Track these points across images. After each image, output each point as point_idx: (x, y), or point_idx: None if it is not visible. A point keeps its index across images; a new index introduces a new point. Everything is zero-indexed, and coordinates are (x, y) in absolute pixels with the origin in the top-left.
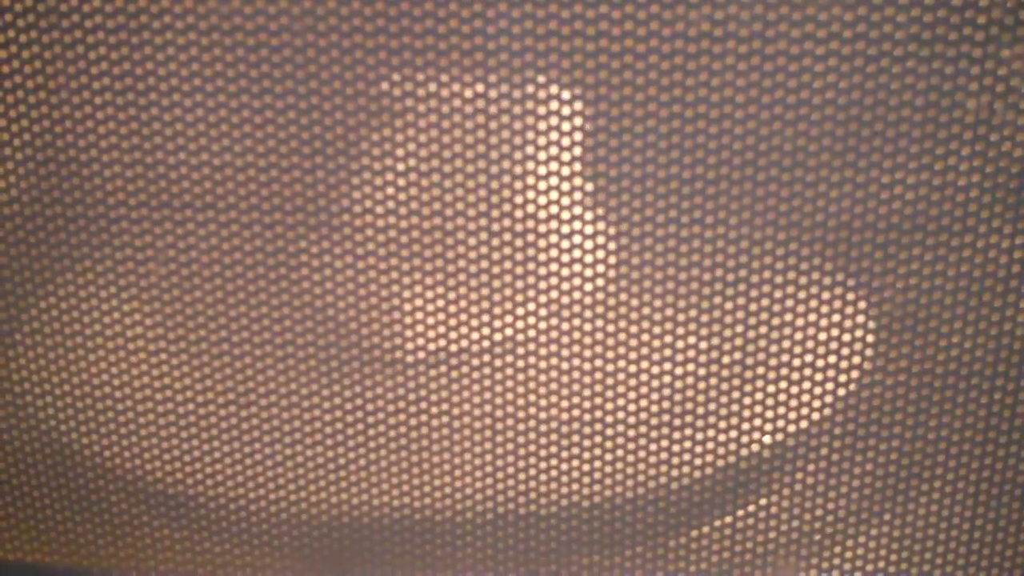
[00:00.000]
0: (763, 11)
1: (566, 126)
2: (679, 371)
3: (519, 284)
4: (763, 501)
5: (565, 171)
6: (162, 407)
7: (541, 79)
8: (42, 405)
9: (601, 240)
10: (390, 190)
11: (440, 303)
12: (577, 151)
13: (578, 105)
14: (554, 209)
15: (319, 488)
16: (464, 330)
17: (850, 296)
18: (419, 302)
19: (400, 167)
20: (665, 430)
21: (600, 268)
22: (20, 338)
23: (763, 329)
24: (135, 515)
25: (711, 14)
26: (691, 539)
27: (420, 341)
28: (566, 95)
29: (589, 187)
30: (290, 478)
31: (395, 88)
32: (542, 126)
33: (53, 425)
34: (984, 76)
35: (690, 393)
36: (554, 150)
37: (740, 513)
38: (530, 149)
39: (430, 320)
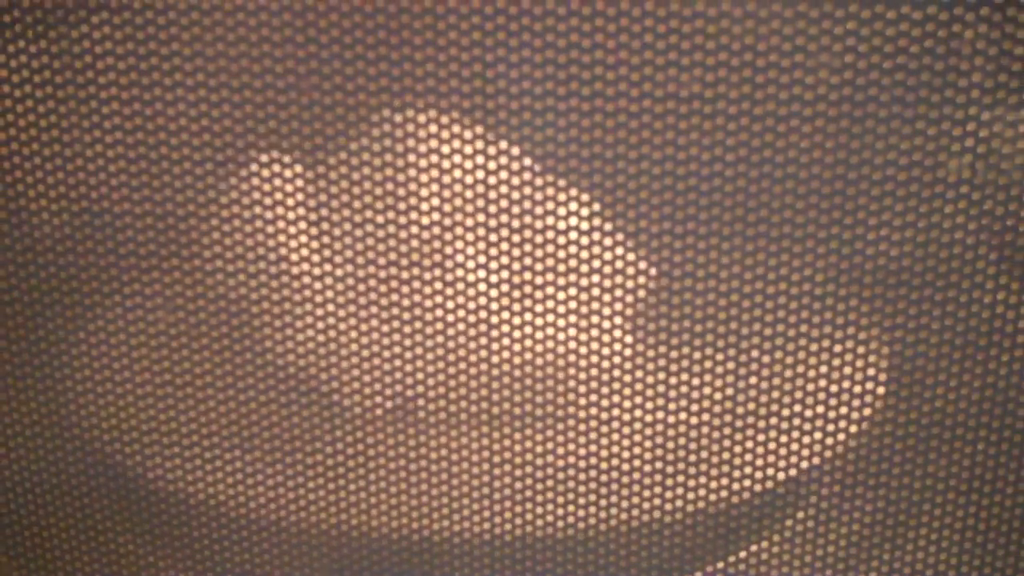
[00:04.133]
0: (754, 75)
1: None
2: (673, 418)
3: (518, 320)
4: (754, 547)
5: (564, 224)
6: (188, 427)
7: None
8: (88, 427)
9: (609, 285)
10: (385, 245)
11: (440, 339)
12: (585, 208)
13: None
14: (562, 254)
15: (322, 507)
16: (463, 365)
17: (850, 344)
18: (420, 338)
19: (391, 224)
20: (658, 475)
21: (604, 310)
22: (68, 360)
23: (762, 373)
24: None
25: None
26: None
27: (410, 382)
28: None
29: (596, 236)
30: (291, 497)
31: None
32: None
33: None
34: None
35: (686, 436)
36: (555, 207)
37: (732, 559)
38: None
39: (430, 356)
